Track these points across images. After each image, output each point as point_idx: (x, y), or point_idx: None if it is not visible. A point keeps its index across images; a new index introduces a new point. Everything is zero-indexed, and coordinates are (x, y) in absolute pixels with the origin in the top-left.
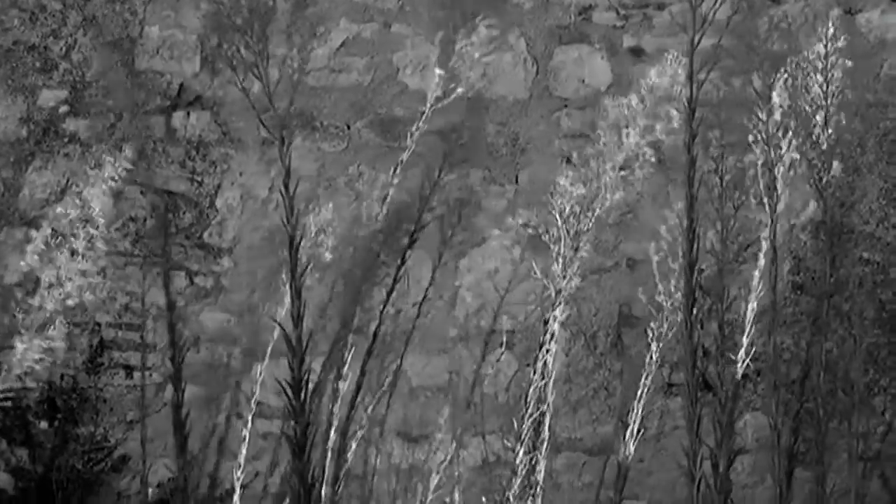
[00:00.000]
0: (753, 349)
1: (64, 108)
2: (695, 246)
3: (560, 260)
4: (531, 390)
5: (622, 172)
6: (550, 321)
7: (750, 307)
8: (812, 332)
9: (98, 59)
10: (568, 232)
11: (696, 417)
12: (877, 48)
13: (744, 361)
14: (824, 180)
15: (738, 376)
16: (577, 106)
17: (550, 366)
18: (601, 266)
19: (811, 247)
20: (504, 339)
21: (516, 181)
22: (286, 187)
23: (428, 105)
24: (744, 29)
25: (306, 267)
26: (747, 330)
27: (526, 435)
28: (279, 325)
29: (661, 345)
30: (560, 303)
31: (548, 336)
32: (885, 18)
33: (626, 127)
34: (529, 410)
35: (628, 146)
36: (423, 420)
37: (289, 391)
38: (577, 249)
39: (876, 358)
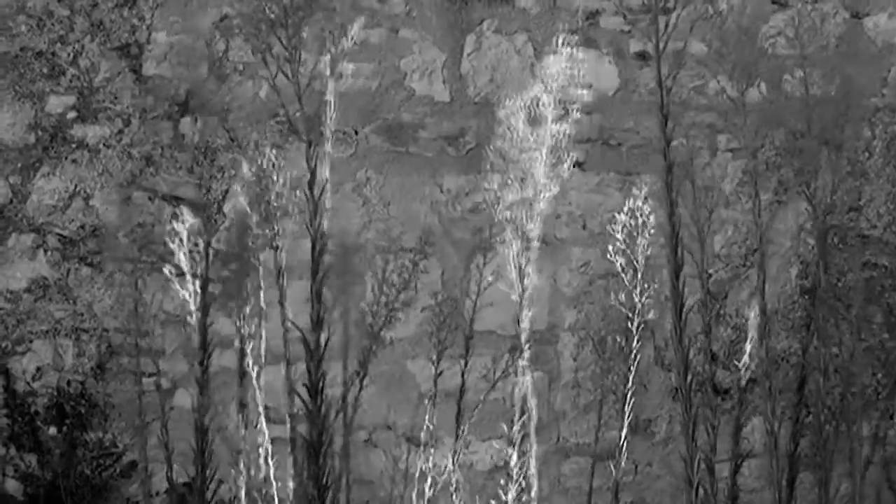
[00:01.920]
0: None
1: (72, 114)
2: (678, 251)
3: (515, 263)
4: (516, 392)
5: (548, 161)
6: (519, 326)
7: (752, 314)
8: (816, 337)
9: (105, 65)
10: (516, 231)
11: (692, 421)
12: (884, 52)
13: (747, 367)
14: (812, 186)
15: (743, 381)
16: (584, 111)
17: (523, 370)
18: (609, 270)
19: (818, 251)
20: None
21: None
22: (311, 189)
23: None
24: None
25: (326, 271)
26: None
27: (518, 439)
28: (298, 328)
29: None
30: (525, 307)
31: (522, 340)
32: (892, 22)
33: (541, 119)
34: (517, 414)
35: (546, 138)
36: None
37: (305, 395)
38: (527, 248)
39: (884, 362)
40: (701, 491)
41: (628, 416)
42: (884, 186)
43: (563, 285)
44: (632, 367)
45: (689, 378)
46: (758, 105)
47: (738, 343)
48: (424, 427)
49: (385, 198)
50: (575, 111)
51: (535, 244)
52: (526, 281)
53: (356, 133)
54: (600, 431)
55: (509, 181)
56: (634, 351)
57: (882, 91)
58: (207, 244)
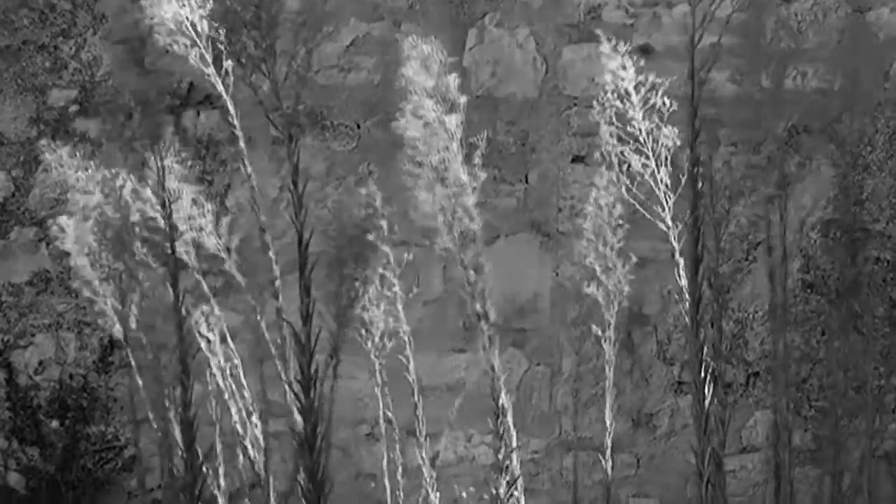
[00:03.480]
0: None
1: (74, 108)
2: (699, 244)
3: (459, 261)
4: (496, 387)
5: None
6: (480, 321)
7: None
8: (822, 332)
9: (107, 59)
10: (450, 229)
11: (704, 416)
12: (886, 46)
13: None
14: (847, 177)
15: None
16: (586, 104)
17: (495, 361)
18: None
19: (821, 245)
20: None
21: (526, 180)
22: (294, 185)
23: None
24: (752, 28)
25: (314, 263)
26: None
27: (502, 432)
28: (287, 322)
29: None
30: (478, 302)
31: (487, 334)
32: (894, 16)
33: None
34: (499, 408)
35: (453, 131)
36: (431, 419)
37: (298, 389)
38: (473, 244)
39: (887, 356)
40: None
41: (613, 409)
42: (886, 180)
43: (566, 279)
44: (609, 359)
45: (702, 372)
46: (761, 98)
47: (740, 337)
48: (425, 421)
49: (387, 191)
50: (460, 100)
51: (479, 239)
52: (477, 276)
53: (358, 127)
54: (602, 425)
55: (426, 181)
56: (613, 341)
57: (884, 85)
58: (172, 238)
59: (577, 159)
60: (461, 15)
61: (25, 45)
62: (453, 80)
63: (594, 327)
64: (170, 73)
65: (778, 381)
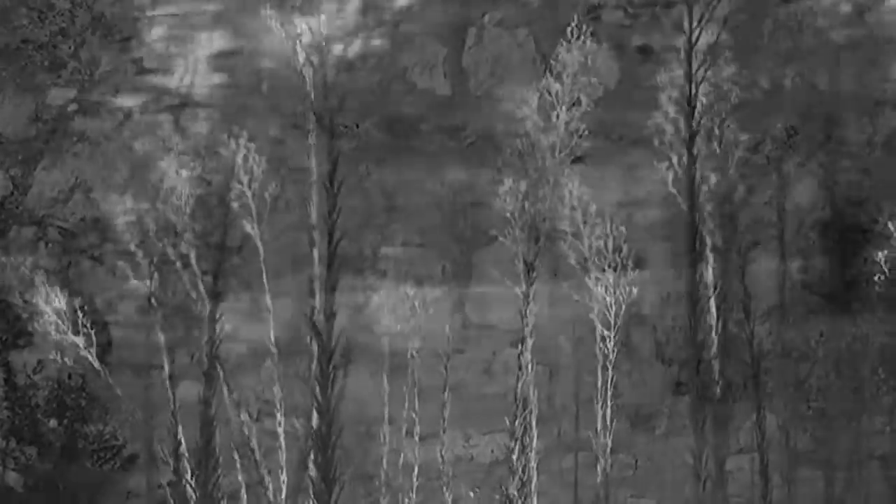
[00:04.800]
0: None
1: (72, 107)
2: (697, 244)
3: (521, 258)
4: (519, 387)
5: (561, 154)
6: (523, 320)
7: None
8: (820, 333)
9: (106, 58)
10: (523, 225)
11: (702, 417)
12: (887, 47)
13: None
14: (846, 178)
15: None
16: (587, 104)
17: (526, 364)
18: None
19: (819, 246)
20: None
21: None
22: (331, 182)
23: None
24: (750, 28)
25: (340, 265)
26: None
27: (519, 433)
28: (312, 322)
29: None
30: (530, 302)
31: (526, 333)
32: (894, 16)
33: (554, 108)
34: (519, 409)
35: (559, 126)
36: (433, 418)
37: (316, 388)
38: (536, 242)
39: (885, 357)
40: (709, 484)
41: (610, 409)
42: (884, 181)
43: (565, 279)
44: (610, 360)
45: (699, 373)
46: (760, 98)
47: (739, 337)
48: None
49: (386, 191)
50: (588, 100)
51: (543, 238)
52: (532, 275)
53: (357, 127)
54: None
55: (515, 174)
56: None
57: (884, 86)
58: (218, 236)
59: (577, 160)
60: (461, 15)
61: (24, 45)
62: (592, 80)
63: (599, 327)
64: (169, 72)
65: (777, 383)
